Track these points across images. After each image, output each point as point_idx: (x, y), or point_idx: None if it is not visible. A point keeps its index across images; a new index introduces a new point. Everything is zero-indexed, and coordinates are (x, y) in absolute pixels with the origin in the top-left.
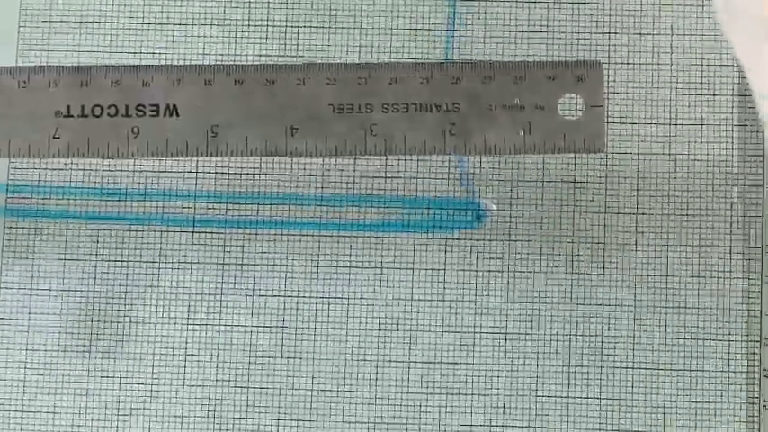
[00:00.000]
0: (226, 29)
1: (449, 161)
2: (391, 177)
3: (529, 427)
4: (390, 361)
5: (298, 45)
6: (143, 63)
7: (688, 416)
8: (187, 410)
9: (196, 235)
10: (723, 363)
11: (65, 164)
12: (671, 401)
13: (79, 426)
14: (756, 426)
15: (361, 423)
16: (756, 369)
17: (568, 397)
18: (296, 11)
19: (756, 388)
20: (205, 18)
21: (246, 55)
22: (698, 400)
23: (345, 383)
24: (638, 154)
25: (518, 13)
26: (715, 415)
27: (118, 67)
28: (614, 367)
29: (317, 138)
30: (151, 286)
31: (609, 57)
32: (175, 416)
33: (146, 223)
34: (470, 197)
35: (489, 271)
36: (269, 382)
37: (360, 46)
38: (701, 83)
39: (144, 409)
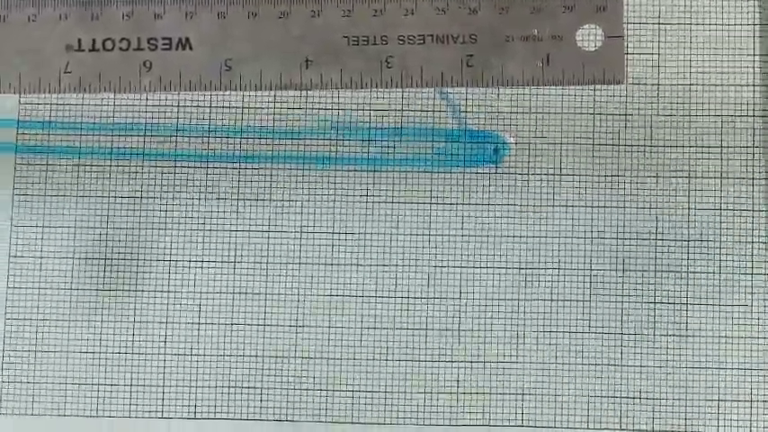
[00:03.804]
0: None
1: (466, 93)
2: (408, 110)
3: (546, 362)
4: (408, 297)
5: None
6: None
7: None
8: (202, 350)
9: (210, 170)
10: (747, 297)
11: (76, 99)
12: (694, 335)
13: (92, 365)
14: None
15: (380, 360)
16: None
17: (587, 332)
18: None
19: None
20: None
21: None
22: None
23: (363, 321)
24: (658, 85)
25: None
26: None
27: (129, 0)
28: (634, 301)
29: (333, 71)
30: (164, 222)
31: None
32: (192, 355)
33: (158, 158)
34: (462, 128)
35: (508, 205)
36: (285, 320)
37: None
38: (722, 13)
39: (159, 349)
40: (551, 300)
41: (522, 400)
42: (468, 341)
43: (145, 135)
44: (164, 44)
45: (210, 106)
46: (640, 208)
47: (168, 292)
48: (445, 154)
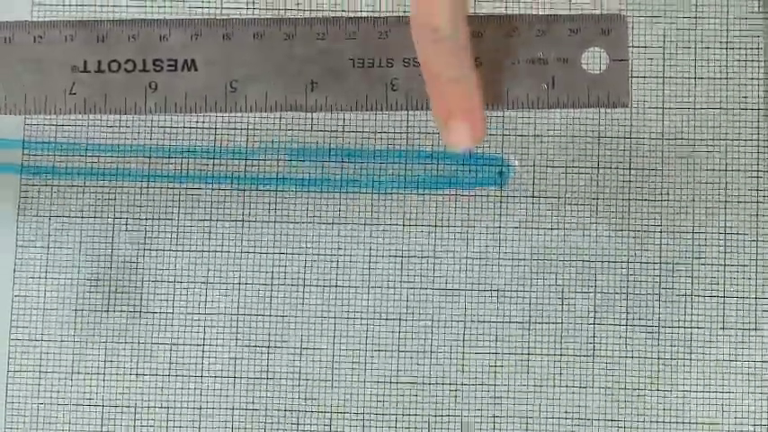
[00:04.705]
0: None
1: None
2: (412, 132)
3: (551, 384)
4: (414, 319)
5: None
6: (160, 17)
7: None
8: (207, 371)
9: (215, 192)
10: (751, 318)
11: (81, 120)
12: (692, 357)
13: (97, 386)
14: None
15: (385, 382)
16: None
17: (592, 355)
18: None
19: None
20: None
21: (266, 9)
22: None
23: (367, 340)
24: (663, 108)
25: None
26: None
27: (135, 22)
28: (638, 325)
29: (338, 93)
30: (170, 244)
31: (632, 10)
32: (196, 376)
33: (163, 180)
34: (466, 151)
35: (512, 227)
36: (290, 342)
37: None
38: (726, 36)
39: (163, 370)
40: (558, 322)
41: (527, 422)
42: (473, 364)
43: (150, 156)
44: (169, 65)
45: (216, 128)
46: (645, 231)
47: (173, 313)
48: (450, 176)
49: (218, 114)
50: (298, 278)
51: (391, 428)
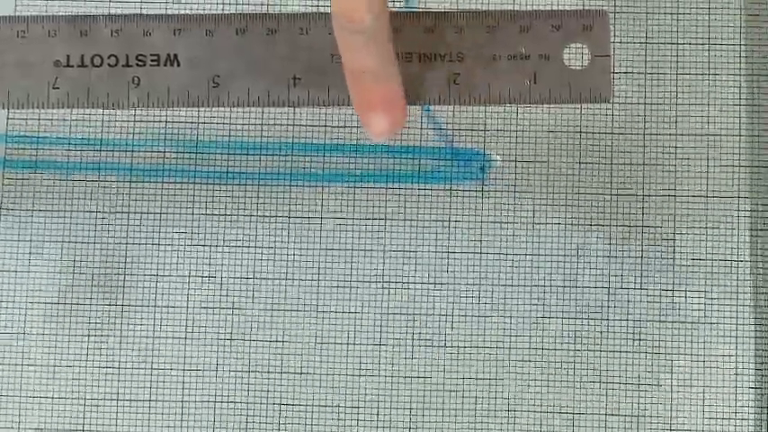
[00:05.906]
0: None
1: (453, 112)
2: None
3: (531, 378)
4: (395, 313)
5: None
6: (144, 12)
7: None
8: (190, 365)
9: (197, 186)
10: (731, 314)
11: (64, 114)
12: (676, 352)
13: (79, 380)
14: None
15: (368, 375)
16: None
17: (574, 350)
18: None
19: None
20: None
21: (248, 4)
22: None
23: (349, 336)
24: (645, 104)
25: None
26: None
27: (118, 17)
28: (618, 319)
29: (320, 88)
30: (152, 238)
31: (615, 6)
32: (179, 370)
33: (146, 174)
34: (449, 146)
35: (493, 222)
36: (272, 335)
37: None
38: (709, 32)
39: (146, 364)
40: (539, 316)
41: (509, 415)
42: (455, 357)
43: (133, 151)
44: (152, 60)
45: (198, 122)
46: (626, 226)
47: (155, 307)
48: (431, 172)
49: (201, 109)
50: (279, 272)
51: (372, 421)
